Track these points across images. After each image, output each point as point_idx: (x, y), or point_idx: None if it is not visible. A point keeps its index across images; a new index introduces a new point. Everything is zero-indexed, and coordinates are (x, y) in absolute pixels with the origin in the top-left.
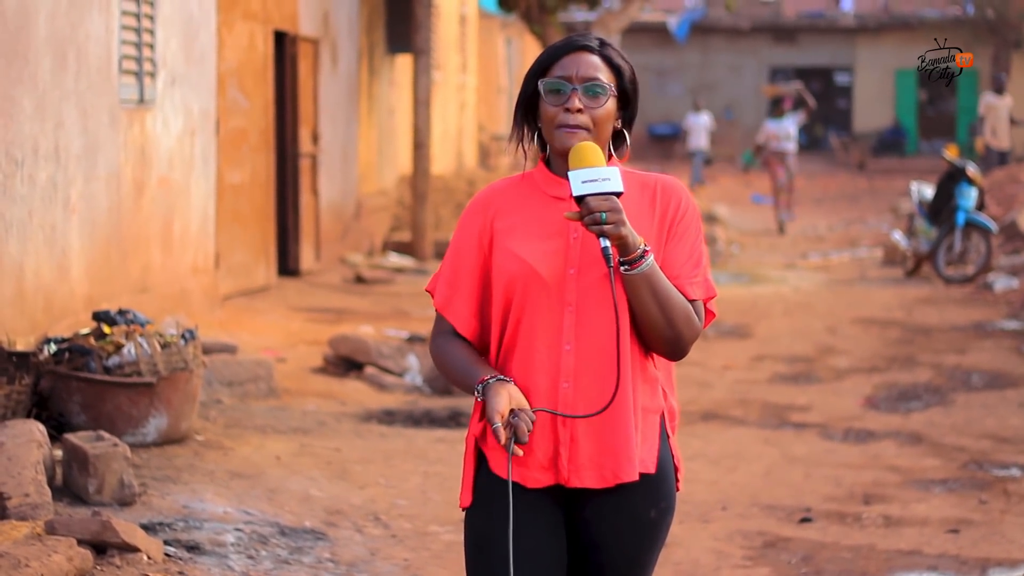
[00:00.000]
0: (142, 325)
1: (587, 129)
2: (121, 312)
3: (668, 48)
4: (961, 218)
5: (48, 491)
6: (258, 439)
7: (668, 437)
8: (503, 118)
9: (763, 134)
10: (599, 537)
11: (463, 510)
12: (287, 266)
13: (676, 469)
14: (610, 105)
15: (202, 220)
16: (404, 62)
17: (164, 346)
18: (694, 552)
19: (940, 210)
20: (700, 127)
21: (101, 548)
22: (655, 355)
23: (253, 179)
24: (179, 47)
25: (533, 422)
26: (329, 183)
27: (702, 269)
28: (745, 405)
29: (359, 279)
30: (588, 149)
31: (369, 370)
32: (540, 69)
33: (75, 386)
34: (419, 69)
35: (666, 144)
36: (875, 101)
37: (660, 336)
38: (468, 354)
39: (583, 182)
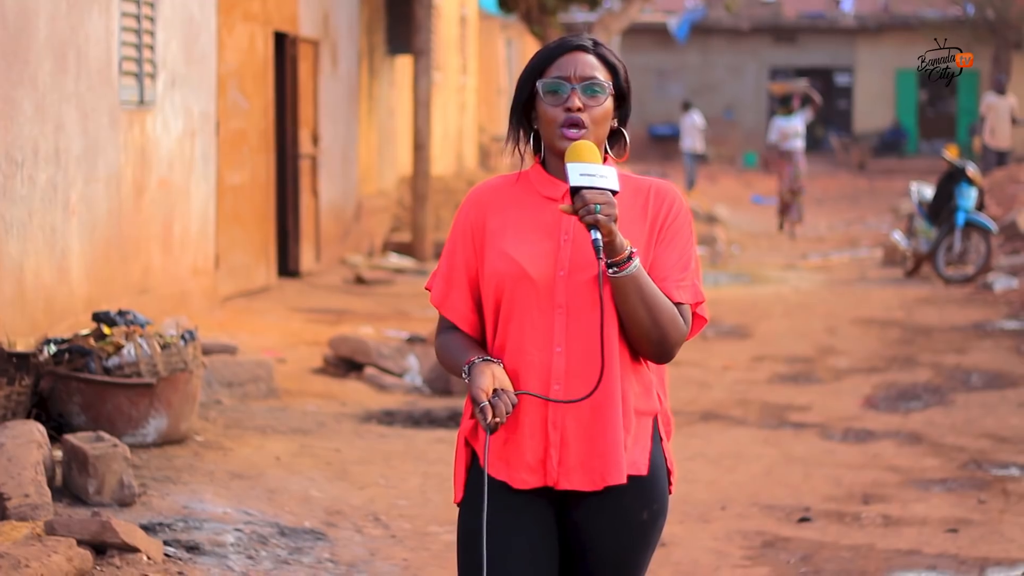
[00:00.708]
0: (142, 326)
1: (587, 128)
2: (121, 313)
3: (668, 49)
4: (961, 218)
5: (48, 492)
6: (258, 440)
7: (662, 439)
8: (503, 119)
9: (775, 131)
10: (590, 539)
11: (457, 506)
12: (287, 267)
13: (669, 472)
14: (608, 104)
15: (202, 221)
16: (404, 63)
17: (164, 347)
18: (693, 552)
19: (940, 210)
20: (689, 127)
21: (101, 548)
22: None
23: (253, 180)
24: (179, 49)
25: (514, 405)
26: (329, 184)
27: (690, 273)
28: (745, 405)
29: (359, 280)
30: (585, 147)
31: (369, 371)
32: (536, 71)
33: (75, 387)
34: (419, 70)
35: (666, 144)
36: (875, 102)
37: (646, 338)
38: (464, 341)
39: (581, 174)
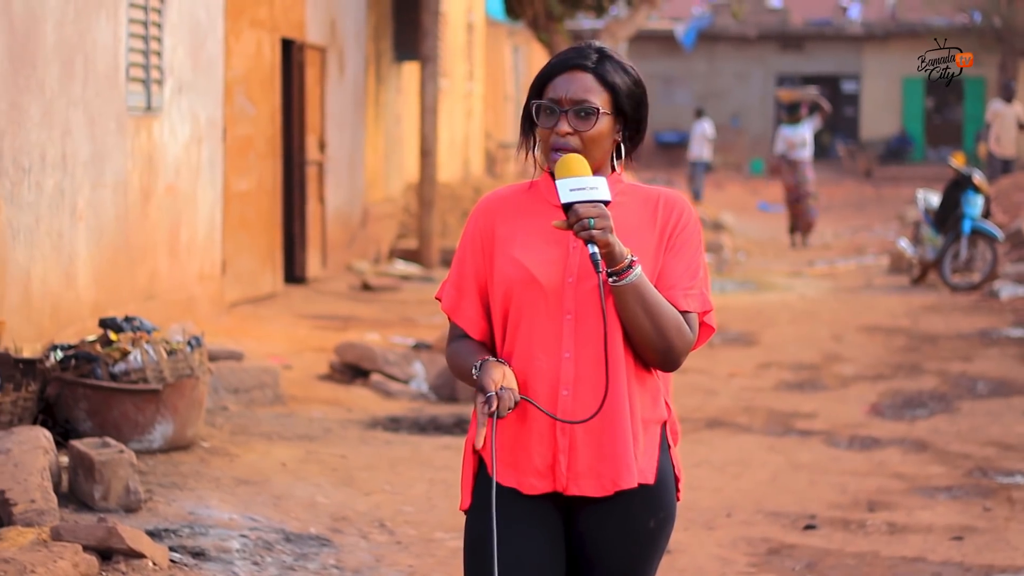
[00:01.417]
0: (148, 332)
1: (578, 150)
2: (127, 319)
3: (675, 56)
4: (967, 226)
5: (54, 497)
6: (264, 446)
7: (669, 447)
8: (510, 126)
9: (781, 142)
10: (598, 546)
11: (464, 512)
12: (293, 273)
13: (676, 479)
14: (602, 125)
15: (209, 227)
16: (411, 70)
17: (170, 353)
18: (699, 559)
19: (946, 218)
20: (698, 135)
21: (107, 554)
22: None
23: (260, 187)
24: (186, 55)
25: (517, 404)
26: (336, 190)
27: (699, 282)
28: (750, 412)
29: (365, 286)
30: (574, 161)
31: (375, 377)
32: (537, 87)
33: (81, 393)
34: (426, 77)
35: (673, 152)
36: (882, 109)
37: (651, 347)
38: (475, 346)
39: (571, 190)
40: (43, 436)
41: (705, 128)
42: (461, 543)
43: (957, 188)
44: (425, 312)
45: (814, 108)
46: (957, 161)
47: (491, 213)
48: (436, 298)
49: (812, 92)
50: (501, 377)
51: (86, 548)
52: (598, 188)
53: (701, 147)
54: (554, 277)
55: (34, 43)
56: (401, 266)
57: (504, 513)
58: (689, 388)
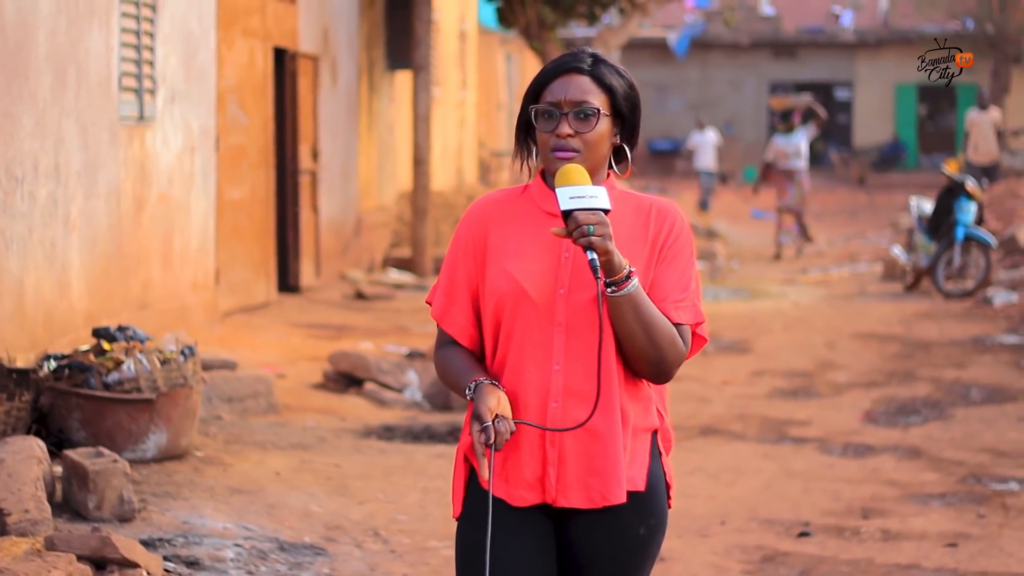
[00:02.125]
0: (142, 341)
1: (579, 152)
2: (121, 328)
3: (668, 64)
4: (960, 233)
5: (48, 507)
6: (258, 455)
7: (661, 455)
8: (503, 134)
9: (771, 151)
10: (588, 555)
11: (456, 520)
12: (287, 282)
13: (668, 486)
14: (602, 126)
15: (202, 237)
16: (404, 78)
17: (164, 362)
18: (693, 566)
19: (939, 225)
20: (707, 145)
21: (101, 564)
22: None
23: (253, 195)
24: (179, 64)
25: (512, 433)
26: (329, 199)
27: (691, 294)
28: (744, 420)
29: (359, 295)
30: (574, 170)
31: (369, 386)
32: (534, 93)
33: (75, 402)
34: (419, 85)
35: (666, 160)
36: (875, 116)
37: (644, 358)
38: (466, 359)
39: (571, 198)
40: (37, 446)
41: (712, 138)
42: (455, 551)
43: (950, 195)
44: (419, 321)
45: (809, 116)
46: (950, 168)
47: (483, 219)
48: (427, 302)
49: (806, 99)
50: (496, 404)
51: (80, 558)
52: (598, 197)
53: (707, 156)
54: (545, 289)
55: (26, 53)
56: (395, 275)
57: (494, 524)
58: (683, 396)
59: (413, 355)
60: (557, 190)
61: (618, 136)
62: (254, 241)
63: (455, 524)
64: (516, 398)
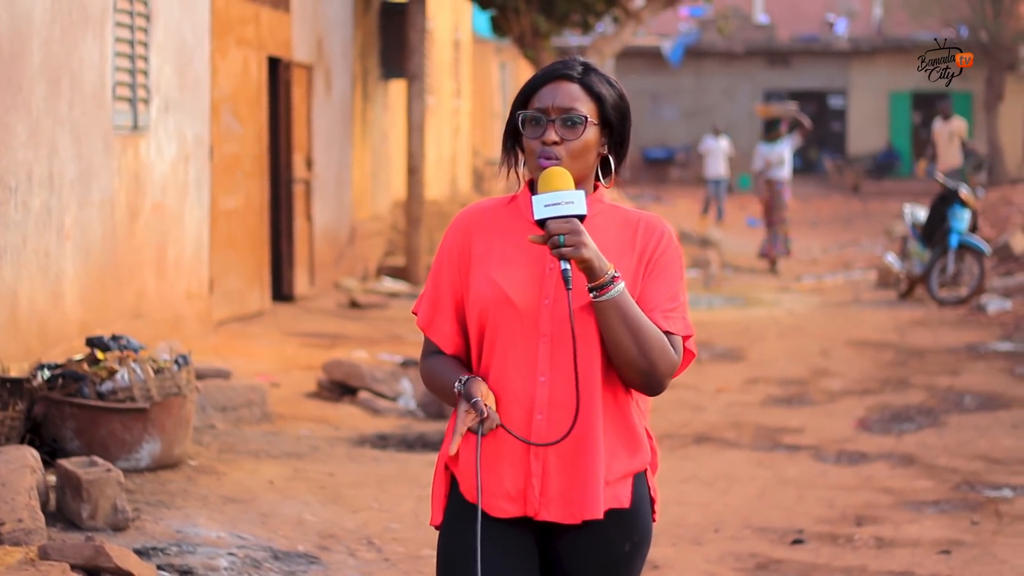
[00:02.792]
0: (135, 351)
1: (564, 160)
2: (115, 338)
3: (662, 72)
4: (954, 240)
5: (42, 516)
6: (252, 464)
7: (645, 471)
8: (497, 143)
9: (759, 159)
10: (573, 569)
11: (434, 528)
12: (281, 291)
13: (652, 501)
14: (589, 135)
15: (196, 246)
16: (398, 87)
17: (157, 371)
18: (686, 574)
19: (933, 232)
20: (719, 152)
21: (94, 573)
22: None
23: (247, 205)
24: (173, 73)
25: (492, 430)
26: (323, 208)
27: (679, 307)
28: (738, 427)
29: (353, 304)
30: (556, 174)
31: (363, 395)
32: (522, 99)
33: (69, 412)
34: (413, 94)
35: (660, 168)
36: (869, 124)
37: (634, 367)
38: (452, 363)
39: (545, 206)
40: (30, 455)
41: (724, 145)
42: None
43: (944, 202)
44: (412, 329)
45: (795, 125)
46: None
47: (468, 228)
48: (413, 312)
49: (791, 108)
50: (486, 394)
51: (74, 567)
52: (574, 202)
53: (719, 164)
54: (530, 299)
55: (20, 62)
56: (389, 283)
57: (474, 534)
58: (677, 404)
59: (407, 364)
60: (533, 198)
61: (606, 146)
62: (248, 250)
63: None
64: (500, 409)
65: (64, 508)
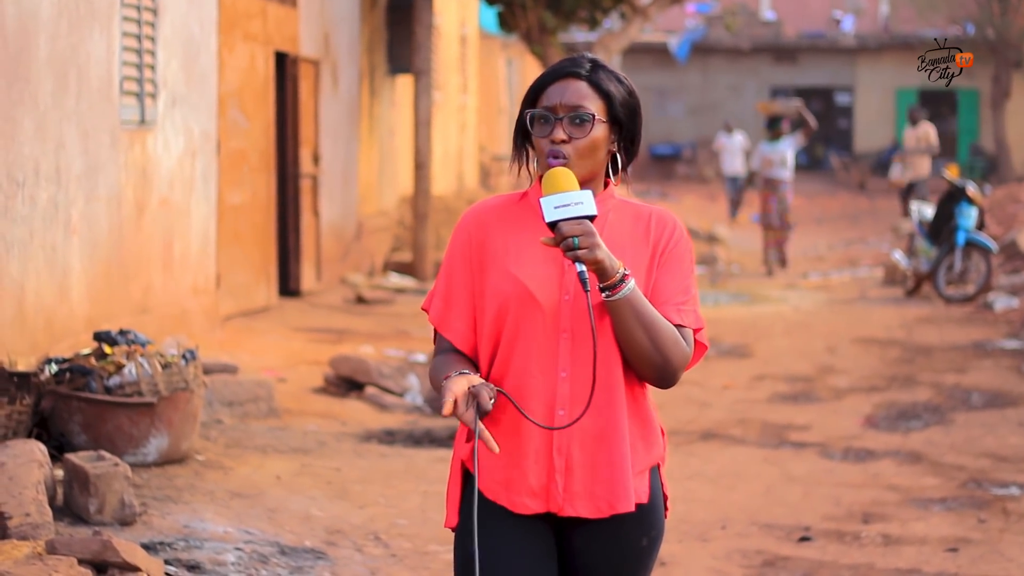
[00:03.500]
0: (143, 345)
1: (569, 158)
2: (122, 332)
3: (669, 68)
4: (961, 238)
5: (49, 511)
6: (258, 459)
7: (659, 466)
8: (504, 138)
9: (757, 158)
10: (592, 565)
11: (451, 530)
12: (288, 286)
13: (665, 497)
14: (597, 132)
15: (203, 241)
16: (405, 83)
17: (165, 366)
18: (693, 571)
19: (940, 230)
20: (735, 149)
21: (102, 568)
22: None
23: (254, 200)
24: (180, 68)
25: (494, 398)
26: (330, 204)
27: (691, 299)
28: (744, 424)
29: (360, 299)
30: (560, 175)
31: (370, 390)
32: (531, 98)
33: (76, 406)
34: (420, 90)
35: (667, 164)
36: (875, 121)
37: (648, 362)
38: (456, 360)
39: (555, 207)
40: (38, 450)
41: (740, 141)
42: (454, 562)
43: (951, 200)
44: (420, 325)
45: (800, 123)
46: (951, 173)
47: (482, 224)
48: (423, 309)
49: (794, 104)
50: (464, 386)
51: (81, 562)
52: (583, 203)
53: (735, 161)
54: (551, 294)
55: (27, 56)
56: (395, 279)
57: (496, 532)
58: (683, 400)
59: (414, 360)
60: (541, 200)
61: (615, 143)
62: (255, 245)
63: (449, 532)
64: (521, 404)
65: (71, 502)
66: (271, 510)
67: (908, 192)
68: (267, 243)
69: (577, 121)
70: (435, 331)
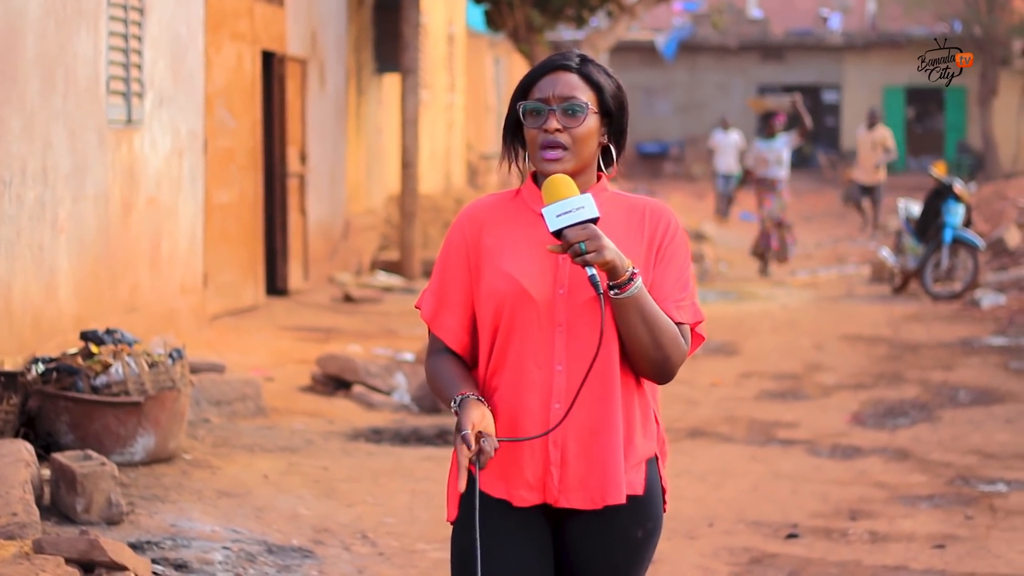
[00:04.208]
0: (130, 344)
1: (567, 148)
2: (109, 331)
3: (656, 66)
4: (948, 235)
5: (36, 510)
6: (246, 458)
7: (657, 460)
8: (491, 137)
9: (751, 156)
10: (587, 556)
11: (450, 524)
12: (275, 285)
13: (663, 490)
14: (590, 123)
15: (190, 240)
16: (392, 81)
17: (152, 365)
18: (681, 568)
19: (927, 227)
20: (729, 147)
21: (89, 567)
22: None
23: (241, 199)
24: (167, 67)
25: (496, 451)
26: (317, 203)
27: (689, 293)
28: (732, 422)
29: (347, 298)
30: (559, 181)
31: (357, 389)
32: (521, 91)
33: (63, 406)
34: (407, 88)
35: (654, 162)
36: (863, 119)
37: (648, 358)
38: (456, 369)
39: (557, 216)
40: (25, 449)
41: (735, 139)
42: (443, 554)
43: (938, 197)
44: (407, 324)
45: (795, 120)
46: (938, 171)
47: (476, 223)
48: (416, 307)
49: (786, 100)
50: (480, 419)
51: (68, 561)
52: (584, 207)
53: (729, 158)
54: (545, 290)
55: (14, 56)
56: (383, 278)
57: (494, 525)
58: (671, 398)
59: (401, 358)
60: (543, 211)
61: (606, 135)
62: (242, 244)
63: (444, 527)
64: (517, 399)
65: (58, 502)
66: (258, 509)
67: (863, 192)
68: (254, 242)
69: (570, 111)
70: (428, 329)
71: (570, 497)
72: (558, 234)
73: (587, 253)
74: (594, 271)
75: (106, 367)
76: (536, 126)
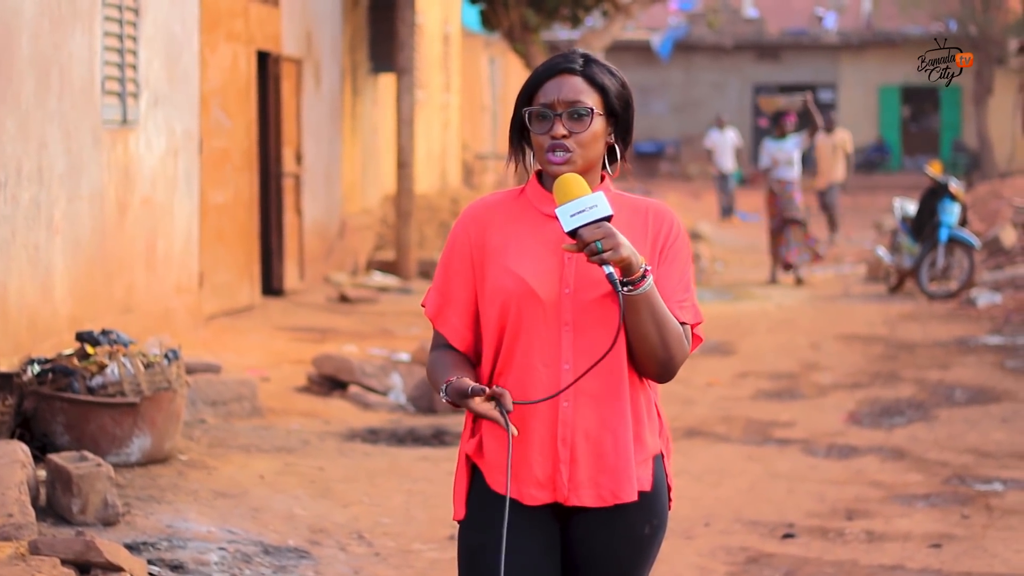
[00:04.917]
0: (125, 345)
1: (573, 151)
2: (104, 332)
3: (651, 66)
4: (944, 234)
5: (32, 511)
6: (242, 458)
7: (663, 456)
8: (487, 137)
9: (766, 156)
10: (593, 553)
11: (457, 523)
12: (271, 285)
13: (669, 487)
14: (596, 126)
15: (185, 240)
16: (387, 81)
17: (147, 366)
18: (677, 568)
19: (923, 226)
20: (726, 146)
21: (85, 568)
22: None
23: (236, 199)
24: (162, 68)
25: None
26: (313, 202)
27: (691, 294)
28: (728, 422)
29: (343, 298)
30: (571, 181)
31: (353, 389)
32: (527, 95)
33: (59, 406)
34: (402, 88)
35: (650, 162)
36: (858, 118)
37: (654, 356)
38: (453, 359)
39: (571, 216)
40: (20, 450)
41: (732, 138)
42: (440, 555)
43: (934, 196)
44: (403, 324)
45: (804, 122)
46: (933, 170)
47: (481, 221)
48: (422, 305)
49: (798, 100)
50: (475, 381)
51: (64, 562)
52: (598, 206)
53: (727, 158)
54: (551, 289)
55: (9, 55)
56: (379, 278)
57: (501, 524)
58: (667, 397)
59: (397, 358)
60: (557, 210)
61: (612, 135)
62: (238, 244)
63: (440, 527)
64: (525, 397)
65: (54, 503)
66: (254, 509)
67: (822, 196)
68: (250, 242)
69: (576, 116)
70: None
71: (580, 495)
72: (573, 234)
73: (604, 252)
74: (611, 269)
75: (102, 368)
76: (542, 132)
